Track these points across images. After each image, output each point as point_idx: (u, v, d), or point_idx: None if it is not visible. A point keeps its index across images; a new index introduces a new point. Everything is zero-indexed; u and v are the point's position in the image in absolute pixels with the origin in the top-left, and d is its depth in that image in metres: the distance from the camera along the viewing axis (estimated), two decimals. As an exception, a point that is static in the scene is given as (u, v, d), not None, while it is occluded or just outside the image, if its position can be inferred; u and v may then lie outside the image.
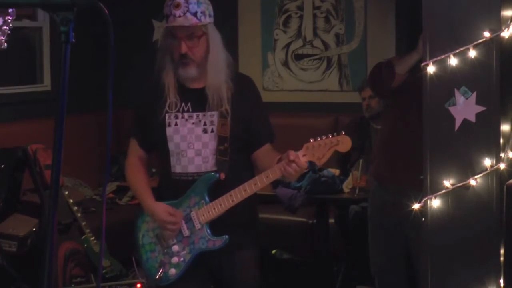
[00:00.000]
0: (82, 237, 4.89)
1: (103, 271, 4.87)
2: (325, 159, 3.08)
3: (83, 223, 4.90)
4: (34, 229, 4.66)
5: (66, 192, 4.92)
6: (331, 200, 5.16)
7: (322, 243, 5.34)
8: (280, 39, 6.61)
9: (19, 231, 4.63)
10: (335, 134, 3.07)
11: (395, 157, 4.02)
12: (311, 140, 3.05)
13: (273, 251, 5.55)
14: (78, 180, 6.07)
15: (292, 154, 3.01)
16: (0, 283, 4.39)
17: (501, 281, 3.09)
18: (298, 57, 6.57)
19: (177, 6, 3.12)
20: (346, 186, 4.98)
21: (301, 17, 6.53)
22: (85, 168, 6.10)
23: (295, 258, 5.52)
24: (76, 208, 4.91)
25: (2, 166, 4.78)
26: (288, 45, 6.59)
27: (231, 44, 6.98)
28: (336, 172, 5.14)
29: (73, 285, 4.66)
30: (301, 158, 3.03)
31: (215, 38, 3.20)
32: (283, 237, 5.56)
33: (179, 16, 3.12)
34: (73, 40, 1.69)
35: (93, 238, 4.91)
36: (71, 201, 4.90)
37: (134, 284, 4.75)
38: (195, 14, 3.12)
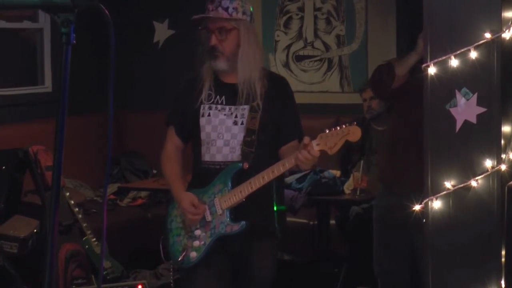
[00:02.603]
0: (83, 239, 4.88)
1: (104, 273, 4.87)
2: (337, 148, 3.19)
3: (84, 225, 4.90)
4: (35, 231, 4.66)
5: (67, 194, 4.92)
6: (332, 201, 5.15)
7: (323, 244, 5.33)
8: (281, 40, 6.61)
9: (20, 233, 4.62)
10: (347, 124, 3.19)
11: (400, 160, 4.01)
12: (326, 131, 3.19)
13: (274, 253, 5.54)
14: (79, 181, 6.06)
15: (306, 139, 3.15)
16: (0, 284, 4.38)
17: (502, 282, 3.08)
18: (299, 58, 6.56)
19: (212, 1, 3.33)
20: (347, 187, 4.97)
21: (302, 18, 6.53)
22: (86, 170, 6.10)
23: (296, 259, 5.52)
24: (77, 209, 4.90)
25: (3, 167, 4.78)
26: (289, 47, 6.59)
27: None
28: (337, 173, 5.13)
29: (74, 286, 4.65)
30: (315, 147, 3.15)
31: (248, 35, 3.34)
32: (284, 238, 5.54)
33: (212, 10, 3.32)
34: (74, 42, 1.69)
35: (94, 239, 4.90)
36: (72, 202, 4.90)
37: (135, 286, 4.75)
38: (226, 9, 3.30)
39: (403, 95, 3.95)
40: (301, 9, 6.52)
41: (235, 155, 3.34)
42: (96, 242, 4.91)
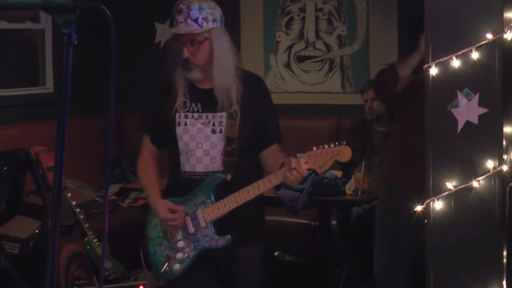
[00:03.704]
0: (85, 239, 4.89)
1: (106, 273, 4.87)
2: (326, 168, 3.14)
3: (86, 225, 4.90)
4: (36, 231, 4.66)
5: (69, 194, 4.92)
6: (333, 202, 5.15)
7: (324, 245, 5.33)
8: (282, 41, 6.61)
9: (22, 233, 4.63)
10: (336, 143, 3.12)
11: (409, 161, 3.98)
12: (314, 149, 3.11)
13: (276, 253, 5.54)
14: (81, 182, 6.07)
15: (294, 162, 3.07)
16: (2, 285, 4.39)
17: (504, 283, 3.08)
18: (300, 59, 6.56)
19: (179, 11, 3.21)
20: (348, 188, 4.97)
21: (303, 19, 6.53)
22: (87, 170, 6.10)
23: (297, 260, 5.52)
24: (78, 210, 4.91)
25: (5, 168, 4.78)
26: (290, 47, 6.59)
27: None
28: (339, 174, 5.13)
29: (75, 287, 4.66)
30: (303, 165, 3.09)
31: (220, 42, 3.23)
32: (285, 239, 5.55)
33: (181, 22, 3.20)
34: (75, 42, 1.69)
35: (96, 240, 4.91)
36: (74, 203, 4.90)
37: (137, 286, 4.75)
38: (195, 20, 3.18)
39: (407, 97, 3.94)
40: (303, 9, 6.52)
41: (216, 165, 3.25)
42: (97, 243, 4.91)
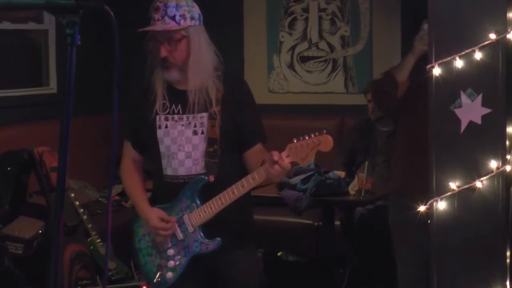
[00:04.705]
0: (88, 240, 4.89)
1: (109, 274, 4.87)
2: (309, 160, 3.03)
3: (89, 226, 4.90)
4: (40, 232, 4.67)
5: (72, 195, 4.93)
6: (336, 202, 5.15)
7: (327, 245, 5.33)
8: (285, 41, 6.61)
9: (25, 234, 4.63)
10: (317, 133, 3.01)
11: (421, 166, 3.91)
12: (295, 141, 3.01)
13: (279, 253, 5.55)
14: (84, 182, 6.07)
15: (275, 155, 2.97)
16: (6, 285, 4.39)
17: (507, 283, 3.08)
18: (304, 59, 6.56)
19: (156, 9, 3.16)
20: (352, 188, 4.97)
21: (306, 19, 6.53)
22: (91, 170, 6.11)
23: (301, 260, 5.52)
24: (82, 210, 4.91)
25: (8, 168, 4.79)
26: (293, 47, 6.59)
27: (236, 46, 6.99)
28: (342, 174, 5.13)
29: (79, 287, 4.66)
30: (285, 159, 2.99)
31: (198, 41, 3.15)
32: (289, 239, 5.55)
33: (158, 20, 3.15)
34: (79, 43, 1.69)
35: (99, 240, 4.91)
36: (77, 203, 4.90)
37: (140, 286, 4.75)
38: (173, 18, 3.12)
39: (407, 101, 3.90)
40: (306, 10, 6.53)
41: (199, 168, 3.17)
42: (101, 243, 4.92)
